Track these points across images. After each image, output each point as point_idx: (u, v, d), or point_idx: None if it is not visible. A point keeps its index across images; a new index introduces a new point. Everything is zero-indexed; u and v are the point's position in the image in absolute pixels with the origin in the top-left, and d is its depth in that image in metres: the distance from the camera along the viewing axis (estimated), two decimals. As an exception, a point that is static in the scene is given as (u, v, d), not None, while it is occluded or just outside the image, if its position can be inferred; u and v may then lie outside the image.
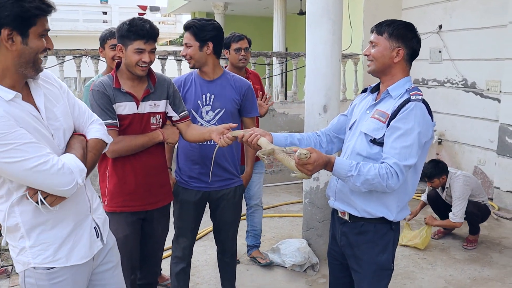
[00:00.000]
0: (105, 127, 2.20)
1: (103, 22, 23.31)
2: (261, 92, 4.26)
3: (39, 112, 1.85)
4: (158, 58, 6.85)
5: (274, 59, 7.96)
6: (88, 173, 1.98)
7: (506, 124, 6.33)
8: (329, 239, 2.72)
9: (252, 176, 3.84)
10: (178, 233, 3.30)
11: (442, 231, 5.29)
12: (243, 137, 2.47)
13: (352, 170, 2.21)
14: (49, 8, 1.78)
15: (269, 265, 4.42)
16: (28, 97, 1.84)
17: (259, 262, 4.46)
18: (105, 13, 23.11)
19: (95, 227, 2.10)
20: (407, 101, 2.28)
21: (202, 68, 3.12)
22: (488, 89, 6.72)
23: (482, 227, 5.37)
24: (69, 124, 2.00)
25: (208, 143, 3.06)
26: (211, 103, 3.10)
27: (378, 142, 2.33)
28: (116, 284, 2.27)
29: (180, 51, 7.26)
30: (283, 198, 6.64)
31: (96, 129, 2.10)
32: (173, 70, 7.08)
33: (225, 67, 3.21)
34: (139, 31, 2.66)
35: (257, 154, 2.34)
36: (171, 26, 24.55)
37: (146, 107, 2.82)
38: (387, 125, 2.30)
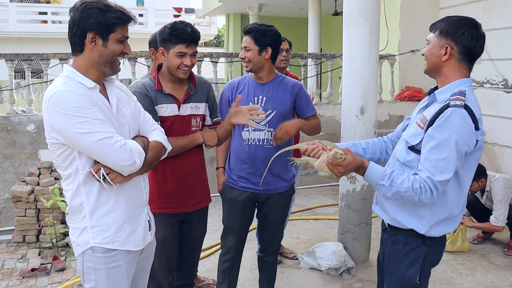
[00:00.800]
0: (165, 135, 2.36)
1: (139, 24, 23.61)
2: None
3: (110, 106, 2.13)
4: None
5: (309, 60, 7.90)
6: (146, 170, 2.23)
7: (549, 126, 6.12)
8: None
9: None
10: (225, 231, 3.35)
11: (481, 236, 5.15)
12: (306, 151, 2.35)
13: (385, 179, 2.12)
14: (128, 19, 2.09)
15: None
16: (103, 93, 2.14)
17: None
18: (141, 15, 23.40)
19: (148, 220, 2.31)
20: (446, 107, 2.09)
21: (258, 72, 3.16)
22: (530, 90, 6.51)
23: (524, 232, 5.22)
24: (134, 124, 2.25)
25: (257, 143, 3.12)
26: (262, 105, 3.14)
27: (415, 149, 2.20)
28: (145, 282, 2.45)
29: (216, 53, 7.31)
30: (318, 200, 6.59)
31: (158, 134, 2.33)
32: (209, 71, 7.11)
33: None
34: (181, 35, 2.70)
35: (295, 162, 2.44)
36: (205, 28, 24.68)
37: (187, 109, 2.87)
38: (425, 131, 2.15)
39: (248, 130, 3.12)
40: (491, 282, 4.22)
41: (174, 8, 24.08)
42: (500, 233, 5.12)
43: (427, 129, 2.14)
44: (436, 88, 2.29)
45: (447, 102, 2.10)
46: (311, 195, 6.79)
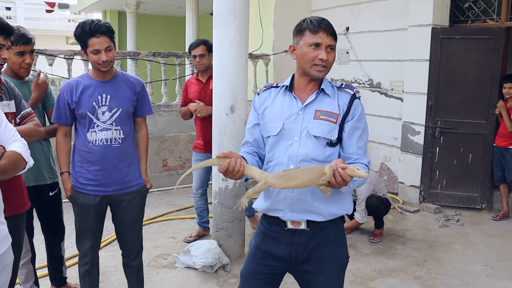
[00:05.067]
0: (29, 150, 2.22)
1: (7, 18, 22.16)
2: None
3: None
4: (64, 57, 6.60)
5: (186, 59, 7.91)
6: None
7: (408, 122, 6.71)
8: (257, 255, 2.47)
9: None
10: (79, 235, 3.27)
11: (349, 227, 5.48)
12: (227, 169, 2.11)
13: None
14: None
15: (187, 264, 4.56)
16: None
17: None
18: (8, 8, 21.96)
19: None
20: (354, 98, 2.29)
21: (109, 70, 3.11)
22: (392, 89, 7.07)
23: (388, 220, 5.66)
24: None
25: (105, 143, 3.08)
26: (107, 104, 3.09)
27: (333, 144, 2.28)
28: None
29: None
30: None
31: (18, 145, 2.18)
32: (81, 71, 6.85)
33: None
34: None
35: (247, 196, 2.14)
36: (81, 25, 23.72)
37: (1, 107, 2.74)
38: (340, 125, 2.27)
39: (95, 131, 3.07)
40: (357, 269, 4.52)
41: (46, 2, 22.86)
42: (366, 223, 5.49)
43: (342, 122, 2.28)
44: (290, 85, 2.37)
45: (353, 94, 2.31)
46: (189, 194, 6.77)
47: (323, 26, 2.23)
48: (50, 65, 6.46)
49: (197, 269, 4.34)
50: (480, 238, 5.42)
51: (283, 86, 2.40)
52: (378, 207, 5.14)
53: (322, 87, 2.30)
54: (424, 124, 6.50)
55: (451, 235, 5.49)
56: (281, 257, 2.39)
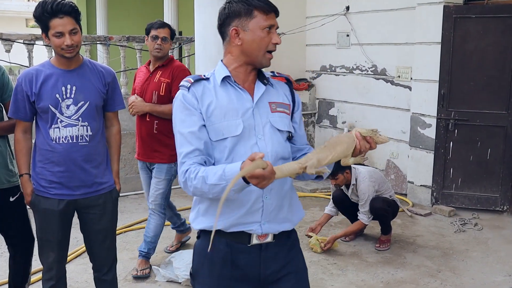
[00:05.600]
0: None
1: None
2: None
3: None
4: (23, 43, 6.52)
5: (164, 44, 7.83)
6: None
7: (418, 114, 6.68)
8: (222, 286, 2.29)
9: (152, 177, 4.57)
10: (42, 247, 3.23)
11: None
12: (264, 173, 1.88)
13: None
14: None
15: (143, 278, 4.46)
16: None
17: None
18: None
19: None
20: (291, 86, 2.39)
21: (74, 57, 3.06)
22: (399, 76, 7.04)
23: (396, 225, 5.64)
24: None
25: (70, 141, 3.05)
26: (72, 96, 3.05)
27: (290, 138, 2.31)
28: None
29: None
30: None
31: None
32: (43, 58, 6.77)
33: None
34: None
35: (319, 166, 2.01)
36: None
37: None
38: (291, 116, 2.34)
39: (58, 127, 3.04)
40: (362, 281, 4.51)
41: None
42: (371, 228, 5.49)
43: (292, 112, 2.35)
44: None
45: (289, 81, 2.40)
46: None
47: (273, 6, 2.19)
48: (8, 51, 6.38)
49: (180, 283, 4.31)
50: (501, 244, 5.43)
51: (221, 77, 2.22)
52: (384, 210, 5.12)
53: (268, 77, 2.31)
54: (435, 115, 6.48)
55: (468, 241, 5.49)
56: (249, 280, 2.27)
